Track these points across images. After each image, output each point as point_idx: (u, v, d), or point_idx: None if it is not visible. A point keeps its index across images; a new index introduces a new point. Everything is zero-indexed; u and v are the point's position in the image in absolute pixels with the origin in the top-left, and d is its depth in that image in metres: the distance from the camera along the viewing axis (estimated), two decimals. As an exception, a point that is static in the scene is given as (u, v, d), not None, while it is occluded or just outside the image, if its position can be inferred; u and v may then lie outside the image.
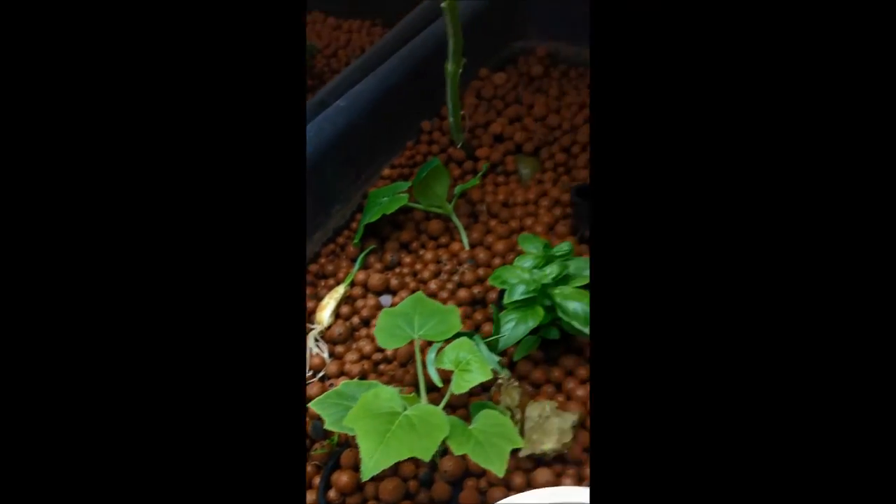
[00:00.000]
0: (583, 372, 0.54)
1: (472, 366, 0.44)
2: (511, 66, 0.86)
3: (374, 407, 0.43)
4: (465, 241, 0.64)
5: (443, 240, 0.66)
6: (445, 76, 0.66)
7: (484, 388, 0.52)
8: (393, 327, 0.50)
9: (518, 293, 0.51)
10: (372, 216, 0.63)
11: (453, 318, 0.50)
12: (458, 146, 0.73)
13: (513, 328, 0.51)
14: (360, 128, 0.67)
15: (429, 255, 0.64)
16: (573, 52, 0.85)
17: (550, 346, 0.55)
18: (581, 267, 0.54)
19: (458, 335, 0.50)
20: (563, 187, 0.68)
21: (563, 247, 0.55)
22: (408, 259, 0.64)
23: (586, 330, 0.49)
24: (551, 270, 0.52)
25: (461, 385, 0.45)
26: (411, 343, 0.50)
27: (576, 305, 0.50)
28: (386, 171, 0.72)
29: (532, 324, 0.50)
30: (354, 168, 0.68)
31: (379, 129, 0.70)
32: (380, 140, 0.71)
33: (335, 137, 0.65)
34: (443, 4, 0.61)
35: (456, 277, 0.61)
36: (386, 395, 0.44)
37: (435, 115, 0.76)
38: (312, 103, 0.70)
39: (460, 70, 0.65)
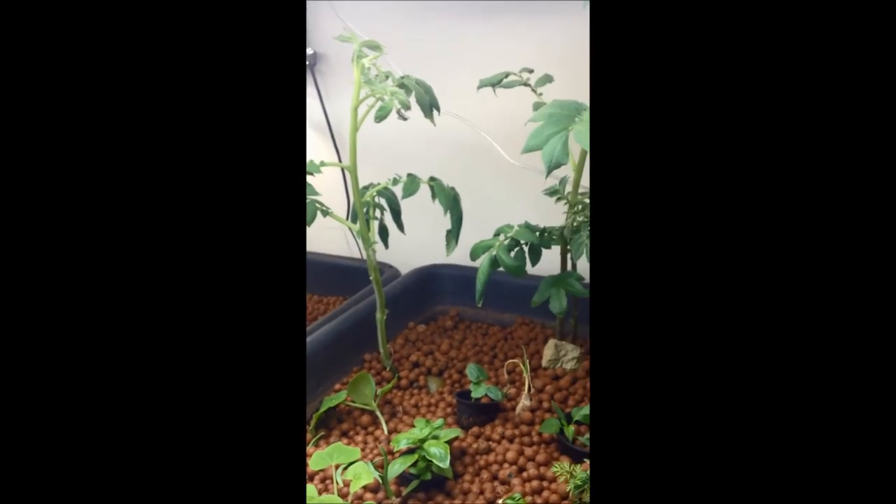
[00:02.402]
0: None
1: (362, 476, 0.74)
2: (432, 321, 1.25)
3: None
4: (385, 429, 0.96)
5: (370, 428, 0.97)
6: (376, 322, 1.04)
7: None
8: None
9: (401, 444, 0.82)
10: (321, 411, 0.96)
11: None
12: (388, 369, 1.08)
13: (397, 468, 0.81)
14: (319, 355, 1.03)
15: (359, 438, 0.95)
16: (473, 312, 1.26)
17: (428, 484, 0.83)
18: (447, 434, 0.86)
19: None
20: (453, 395, 1.02)
21: (439, 423, 0.87)
22: (344, 441, 0.95)
23: (444, 465, 0.79)
24: (426, 433, 0.83)
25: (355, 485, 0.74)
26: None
27: (436, 450, 0.80)
28: (337, 387, 1.06)
29: (408, 464, 0.80)
30: (315, 381, 1.02)
31: (333, 358, 1.06)
32: (334, 365, 1.06)
33: (303, 360, 1.00)
34: (370, 277, 1.01)
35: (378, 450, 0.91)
36: None
37: (374, 350, 1.13)
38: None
39: (385, 318, 1.03)
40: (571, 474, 0.73)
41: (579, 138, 0.71)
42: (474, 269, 1.23)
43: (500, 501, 0.78)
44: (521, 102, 0.97)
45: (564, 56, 1.07)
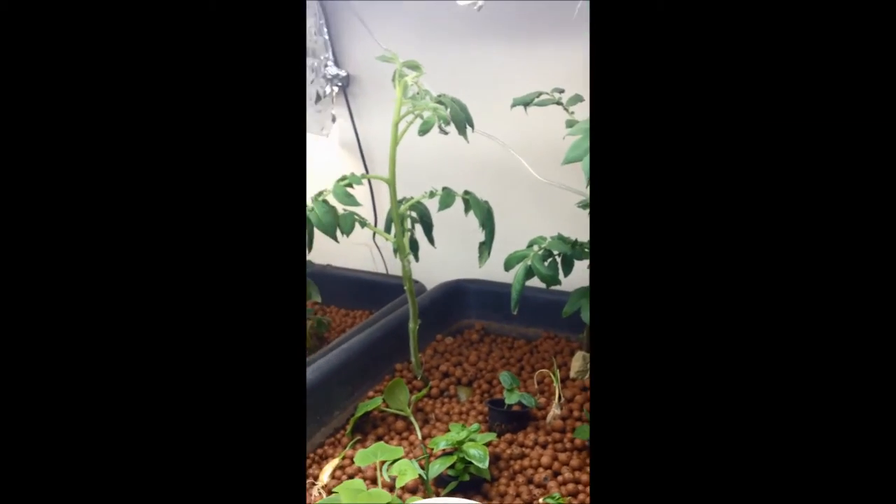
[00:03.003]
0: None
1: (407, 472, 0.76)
2: (458, 335, 1.28)
3: None
4: (419, 434, 0.98)
5: (404, 433, 0.99)
6: (409, 332, 1.07)
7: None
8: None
9: (440, 445, 0.84)
10: (357, 415, 0.98)
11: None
12: (419, 378, 1.11)
13: (437, 468, 0.83)
14: (353, 363, 1.05)
15: (394, 443, 0.97)
16: (498, 326, 1.29)
17: (466, 485, 0.85)
18: (482, 437, 0.88)
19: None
20: (484, 403, 1.04)
21: (475, 426, 0.89)
22: (380, 446, 0.97)
23: (483, 465, 0.81)
24: (464, 435, 0.86)
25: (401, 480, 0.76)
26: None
27: (475, 451, 0.83)
28: (370, 394, 1.08)
29: (447, 465, 0.83)
30: (350, 387, 1.05)
31: (366, 366, 1.08)
32: (367, 373, 1.09)
33: (337, 367, 1.03)
34: (405, 287, 1.04)
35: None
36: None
37: (405, 360, 1.15)
38: (324, 350, 1.10)
39: (417, 328, 1.06)
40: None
41: (618, 151, 0.75)
42: (500, 285, 1.27)
43: (541, 500, 0.80)
44: (549, 123, 1.01)
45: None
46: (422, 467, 0.82)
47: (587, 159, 0.75)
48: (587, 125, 0.80)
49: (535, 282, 1.16)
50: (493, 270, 1.05)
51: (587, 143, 0.77)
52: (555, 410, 0.97)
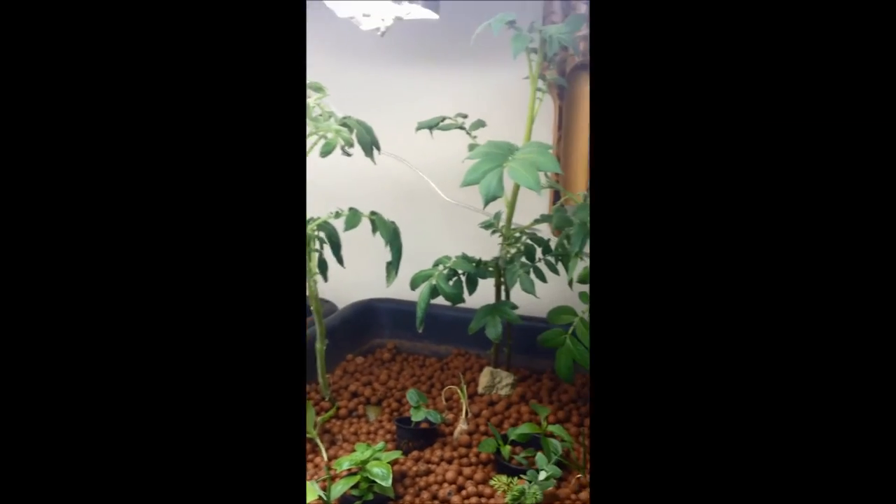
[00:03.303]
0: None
1: (307, 495, 0.75)
2: (370, 354, 1.28)
3: None
4: (325, 455, 0.97)
5: (310, 456, 0.98)
6: (316, 353, 1.06)
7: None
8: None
9: (344, 465, 0.84)
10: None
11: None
12: (326, 399, 1.10)
13: (339, 488, 0.83)
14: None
15: (300, 466, 0.96)
16: (410, 345, 1.30)
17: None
18: (387, 456, 0.89)
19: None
20: (393, 422, 1.05)
21: (380, 445, 0.89)
22: (286, 470, 0.96)
23: (386, 484, 0.81)
24: (368, 455, 0.86)
25: None
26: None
27: (378, 470, 0.83)
28: (277, 417, 1.07)
29: (350, 485, 0.82)
30: (255, 411, 1.03)
31: (274, 389, 1.07)
32: (274, 396, 1.08)
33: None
34: (311, 307, 1.04)
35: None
36: None
37: (312, 381, 1.14)
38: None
39: (324, 348, 1.06)
40: (509, 486, 0.78)
41: (513, 174, 0.78)
42: (411, 304, 1.28)
43: (441, 515, 0.81)
44: (456, 145, 1.04)
45: (495, 103, 1.17)
46: (323, 489, 0.82)
47: (484, 182, 0.78)
48: (485, 149, 0.83)
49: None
50: (405, 289, 1.07)
51: (485, 167, 0.80)
52: (462, 426, 0.99)
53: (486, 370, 1.10)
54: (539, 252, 1.00)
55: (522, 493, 0.78)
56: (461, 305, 1.09)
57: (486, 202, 0.77)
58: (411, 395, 0.98)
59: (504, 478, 0.82)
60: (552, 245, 1.00)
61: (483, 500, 0.85)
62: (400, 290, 1.10)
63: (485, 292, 1.04)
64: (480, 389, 1.09)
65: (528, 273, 0.95)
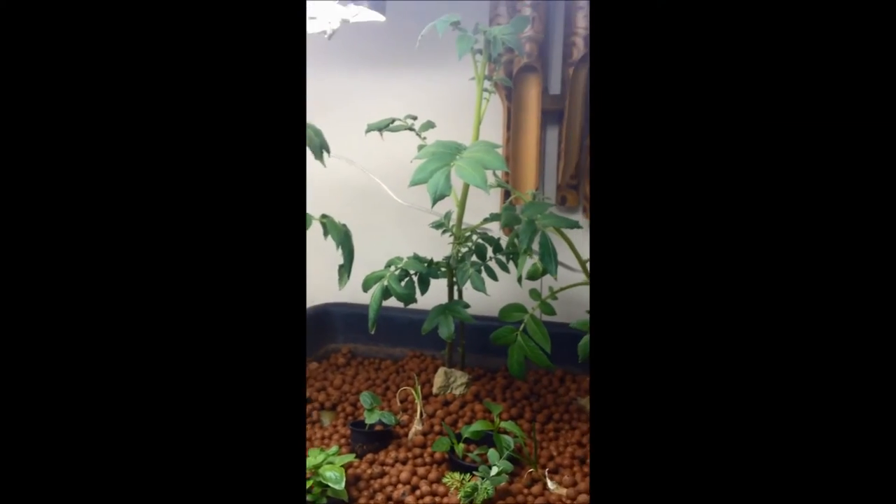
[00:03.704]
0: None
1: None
2: (325, 359, 1.27)
3: None
4: (279, 462, 0.96)
5: (264, 463, 0.97)
6: (269, 358, 1.05)
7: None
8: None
9: (298, 470, 0.83)
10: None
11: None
12: (280, 405, 1.09)
13: (295, 493, 0.82)
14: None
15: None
16: (366, 348, 1.29)
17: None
18: (340, 459, 0.88)
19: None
20: (347, 426, 1.04)
21: (333, 449, 0.89)
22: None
23: (339, 487, 0.81)
24: (320, 459, 0.85)
25: None
26: None
27: (331, 474, 0.83)
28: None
29: (307, 489, 0.82)
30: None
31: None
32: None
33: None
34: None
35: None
36: None
37: (266, 388, 1.13)
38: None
39: (278, 353, 1.05)
40: (462, 483, 0.78)
41: (460, 173, 0.79)
42: (365, 307, 1.28)
43: (395, 515, 0.81)
44: (407, 147, 1.04)
45: (443, 105, 1.17)
46: (277, 493, 0.81)
47: (432, 181, 0.79)
48: (433, 148, 0.83)
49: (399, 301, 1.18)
50: (359, 292, 1.06)
51: (433, 166, 0.80)
52: (416, 427, 0.99)
53: (441, 370, 1.10)
54: (490, 251, 1.01)
55: (475, 489, 0.79)
56: (415, 307, 1.09)
57: (434, 201, 0.78)
58: (365, 398, 0.98)
59: (457, 475, 0.82)
60: (503, 244, 1.01)
61: (437, 499, 0.85)
62: (354, 293, 1.09)
63: (438, 293, 1.05)
64: (435, 390, 1.10)
65: (478, 272, 0.95)
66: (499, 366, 1.18)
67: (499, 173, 1.04)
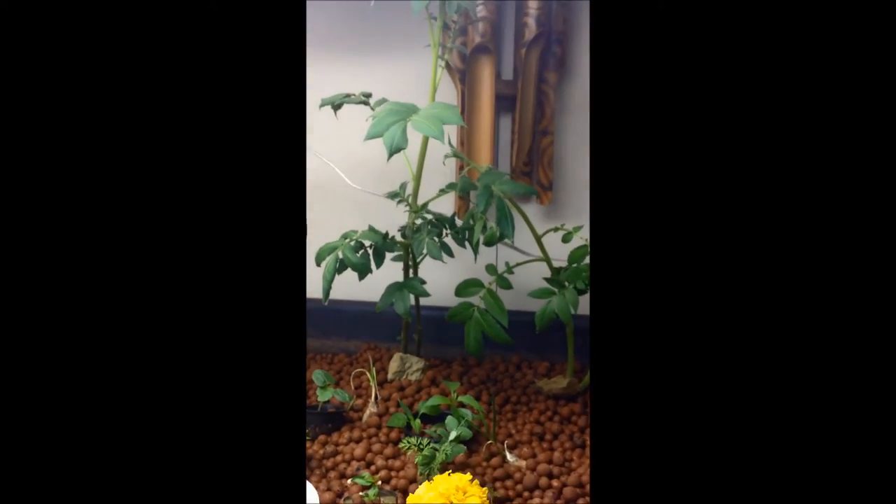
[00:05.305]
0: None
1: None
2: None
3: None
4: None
5: (206, 448, 0.91)
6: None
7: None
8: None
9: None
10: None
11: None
12: (226, 394, 1.03)
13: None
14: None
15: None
16: (319, 344, 1.24)
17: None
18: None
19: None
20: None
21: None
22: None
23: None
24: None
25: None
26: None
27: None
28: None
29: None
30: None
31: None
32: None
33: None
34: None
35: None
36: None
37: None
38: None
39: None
40: (419, 448, 0.74)
41: (417, 126, 0.78)
42: (317, 300, 1.24)
43: (349, 481, 0.76)
44: (358, 132, 1.03)
45: (397, 87, 1.17)
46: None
47: (388, 133, 0.78)
48: (389, 107, 0.82)
49: (353, 294, 1.15)
50: (312, 286, 1.02)
51: (389, 120, 0.79)
52: (371, 409, 0.95)
53: (396, 356, 1.07)
54: (446, 230, 0.99)
55: (433, 457, 0.75)
56: (367, 299, 1.06)
57: (391, 154, 0.76)
58: (317, 376, 0.93)
59: (413, 439, 0.78)
60: (458, 223, 1.00)
61: (393, 473, 0.80)
62: (307, 287, 1.05)
63: (393, 269, 1.02)
64: (390, 375, 1.06)
65: (434, 241, 0.93)
66: (456, 355, 1.15)
67: (455, 143, 1.03)
